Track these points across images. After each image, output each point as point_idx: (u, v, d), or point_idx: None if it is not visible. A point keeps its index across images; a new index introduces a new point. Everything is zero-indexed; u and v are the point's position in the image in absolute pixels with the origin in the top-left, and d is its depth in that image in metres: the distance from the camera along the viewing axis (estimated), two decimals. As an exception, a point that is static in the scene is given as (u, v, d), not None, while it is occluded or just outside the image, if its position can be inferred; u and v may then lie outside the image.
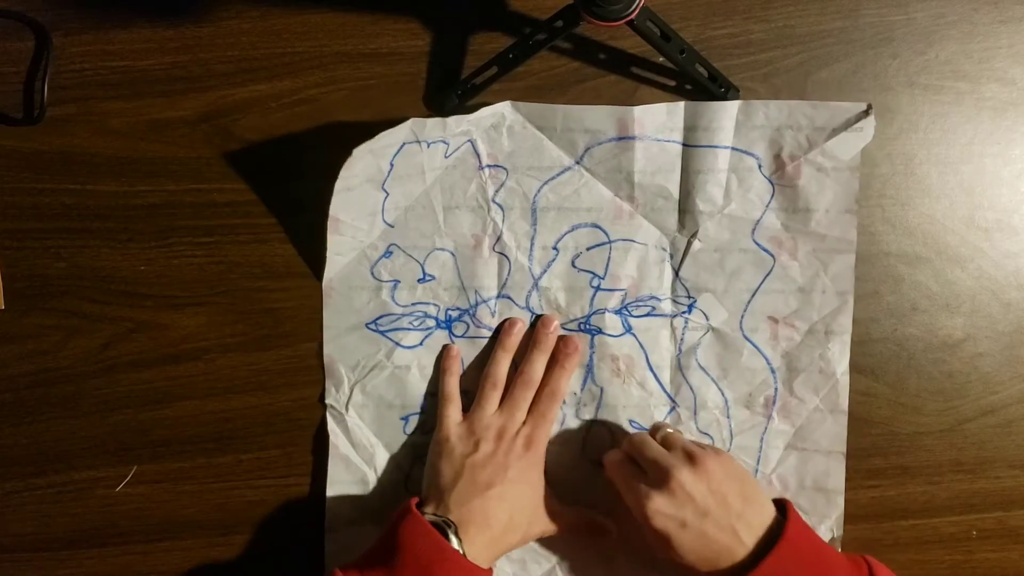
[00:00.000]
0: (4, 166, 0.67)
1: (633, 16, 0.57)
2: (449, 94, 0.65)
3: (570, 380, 0.66)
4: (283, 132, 0.67)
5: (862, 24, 0.66)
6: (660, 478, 0.58)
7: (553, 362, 0.66)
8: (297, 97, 0.67)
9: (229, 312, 0.67)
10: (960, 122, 0.67)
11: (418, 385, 0.67)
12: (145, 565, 0.68)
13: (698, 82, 0.64)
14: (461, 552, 0.57)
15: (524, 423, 0.64)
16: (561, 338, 0.66)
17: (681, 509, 0.57)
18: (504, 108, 0.65)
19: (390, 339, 0.67)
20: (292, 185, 0.67)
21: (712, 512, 0.57)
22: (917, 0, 0.67)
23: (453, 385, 0.66)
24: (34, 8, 0.66)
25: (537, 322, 0.66)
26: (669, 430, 0.63)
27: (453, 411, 0.65)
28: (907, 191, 0.67)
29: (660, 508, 0.57)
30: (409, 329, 0.67)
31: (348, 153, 0.63)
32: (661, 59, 0.66)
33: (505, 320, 0.67)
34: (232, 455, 0.68)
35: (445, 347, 0.67)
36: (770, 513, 0.58)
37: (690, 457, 0.58)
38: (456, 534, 0.58)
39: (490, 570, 0.59)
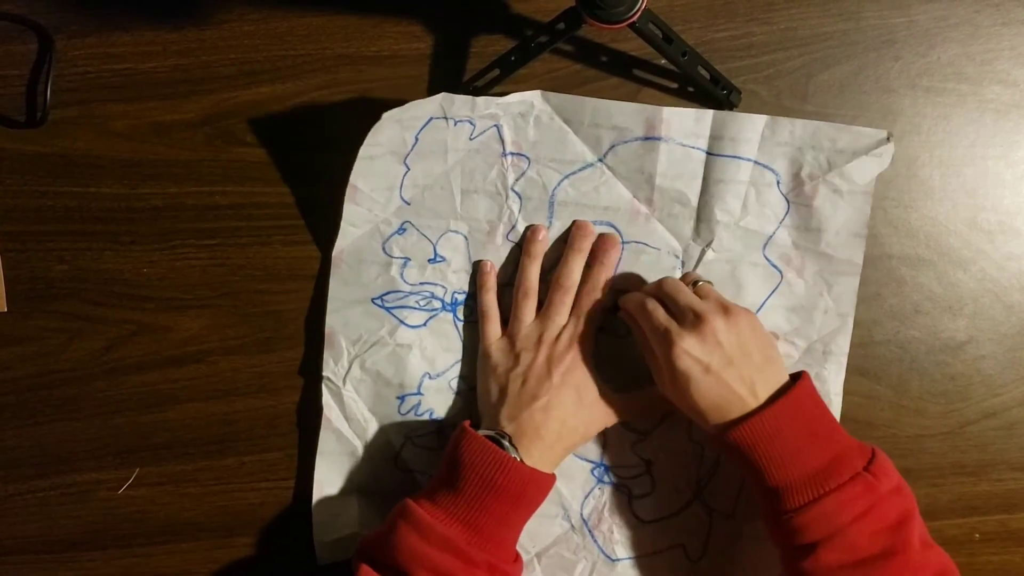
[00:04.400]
0: (7, 169, 0.67)
1: (635, 18, 0.57)
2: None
3: (610, 277, 0.65)
4: (285, 135, 0.67)
5: (864, 26, 0.67)
6: (693, 321, 0.58)
7: (592, 260, 0.65)
8: (299, 100, 0.67)
9: (232, 314, 0.67)
10: (962, 124, 0.67)
11: (418, 366, 0.67)
12: (147, 567, 0.68)
13: (700, 84, 0.64)
14: (520, 460, 0.58)
15: (565, 326, 0.64)
16: (600, 235, 0.66)
17: (709, 354, 0.57)
18: (534, 97, 0.65)
19: (395, 316, 0.66)
20: (294, 187, 0.67)
21: (736, 362, 0.57)
22: (919, 2, 0.67)
23: (491, 301, 0.66)
24: (37, 11, 0.66)
25: (572, 227, 0.66)
26: (702, 281, 0.63)
27: (492, 327, 0.65)
28: (909, 193, 0.67)
29: (689, 349, 0.57)
30: (415, 308, 0.66)
31: (350, 155, 0.64)
32: (663, 61, 0.66)
33: (528, 227, 0.66)
34: (234, 457, 0.68)
35: (479, 263, 0.66)
36: (784, 377, 0.59)
37: (724, 308, 0.59)
38: (512, 443, 0.59)
39: (553, 475, 0.60)
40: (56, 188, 0.67)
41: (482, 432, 0.60)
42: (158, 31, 0.67)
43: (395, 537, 0.57)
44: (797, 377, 0.59)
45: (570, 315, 0.64)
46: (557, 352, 0.62)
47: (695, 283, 0.62)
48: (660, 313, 0.60)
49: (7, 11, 0.66)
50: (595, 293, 0.64)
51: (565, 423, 0.61)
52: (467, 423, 0.60)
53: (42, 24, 0.66)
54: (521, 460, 0.59)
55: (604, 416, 0.63)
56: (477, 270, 0.66)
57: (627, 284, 0.66)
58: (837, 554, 0.55)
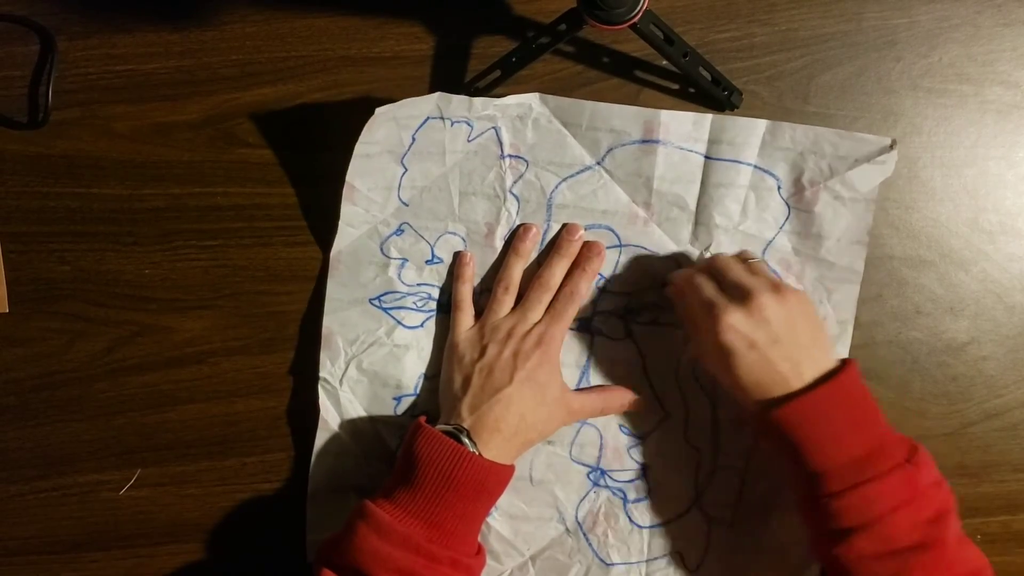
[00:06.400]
0: (9, 170, 0.67)
1: (636, 19, 0.57)
2: (453, 98, 0.65)
3: (591, 286, 0.66)
4: (287, 136, 0.67)
5: (865, 27, 0.67)
6: (742, 296, 0.58)
7: (575, 266, 0.65)
8: (301, 101, 0.67)
9: (233, 315, 0.67)
10: (964, 125, 0.67)
11: (415, 367, 0.67)
12: (149, 568, 0.68)
13: (701, 85, 0.64)
14: (477, 454, 0.58)
15: (537, 323, 0.64)
16: (585, 243, 0.66)
17: (755, 330, 0.57)
18: (532, 100, 0.65)
19: (392, 317, 0.66)
20: (296, 188, 0.67)
21: (783, 340, 0.57)
22: (920, 3, 0.67)
23: (466, 292, 0.66)
24: (39, 12, 0.67)
25: (562, 229, 0.66)
26: (754, 259, 0.62)
27: (464, 318, 0.65)
28: (911, 194, 0.67)
29: (735, 323, 0.57)
30: (412, 309, 0.66)
31: (351, 156, 0.64)
32: (664, 62, 0.66)
33: (519, 225, 0.66)
34: (236, 458, 0.68)
35: (458, 253, 0.66)
36: (832, 360, 0.58)
37: (775, 286, 0.58)
38: (470, 438, 0.59)
39: (512, 466, 0.60)
40: (58, 189, 0.67)
41: (439, 427, 0.59)
42: (160, 32, 0.67)
43: (355, 539, 0.56)
44: (844, 364, 0.59)
45: (544, 314, 0.64)
46: (525, 348, 0.62)
47: (747, 260, 0.62)
48: (708, 287, 0.59)
49: (9, 12, 0.66)
50: (572, 298, 0.64)
51: (524, 418, 0.61)
52: (422, 419, 0.60)
53: (44, 25, 0.66)
54: (479, 454, 0.59)
55: (563, 415, 0.63)
56: (455, 260, 0.66)
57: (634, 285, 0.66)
58: (872, 542, 0.54)
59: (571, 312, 0.64)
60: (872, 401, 0.58)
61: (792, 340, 0.57)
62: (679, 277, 0.63)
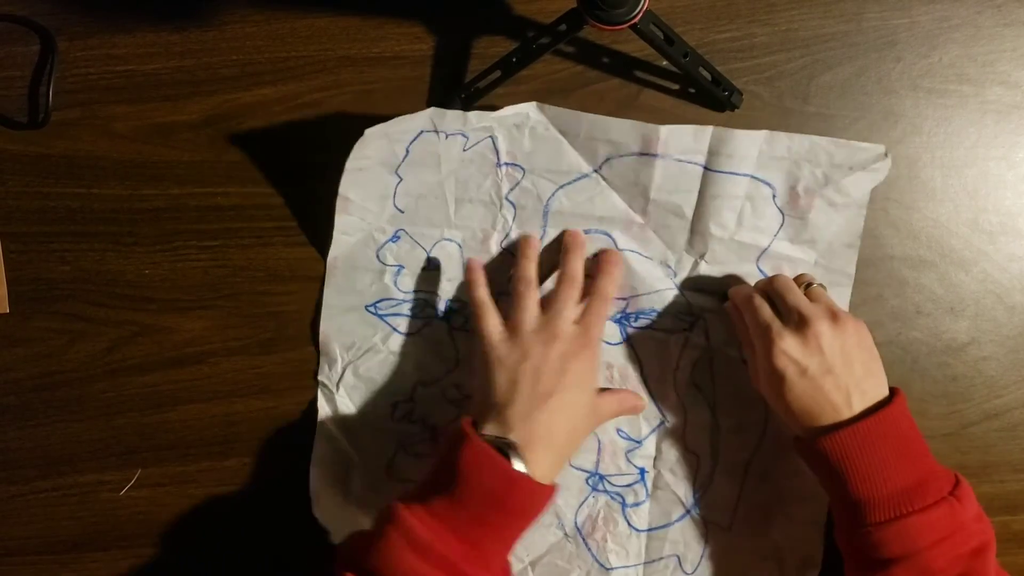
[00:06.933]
0: (9, 170, 0.67)
1: (637, 20, 0.57)
2: (453, 98, 0.65)
3: (615, 288, 0.64)
4: (287, 136, 0.67)
5: (865, 28, 0.67)
6: (798, 323, 0.58)
7: (597, 270, 0.63)
8: (301, 101, 0.67)
9: (233, 315, 0.67)
10: (964, 125, 0.67)
11: (411, 374, 0.66)
12: (149, 568, 0.68)
13: (701, 85, 0.64)
14: (528, 475, 0.55)
15: (577, 322, 0.61)
16: (601, 251, 0.65)
17: (809, 357, 0.57)
18: (529, 108, 0.64)
19: (388, 324, 0.66)
20: (296, 188, 0.67)
21: (836, 370, 0.57)
22: (920, 3, 0.67)
23: (484, 294, 0.62)
24: (39, 12, 0.67)
25: (564, 235, 0.65)
26: (815, 284, 0.62)
27: (492, 318, 0.61)
28: (911, 195, 0.67)
29: (788, 349, 0.57)
30: (408, 316, 0.66)
31: (350, 157, 0.64)
32: (664, 63, 0.66)
33: (520, 237, 0.65)
34: (236, 458, 0.68)
35: (468, 261, 0.65)
36: (883, 392, 0.58)
37: (833, 314, 0.58)
38: (519, 453, 0.56)
39: (554, 486, 0.57)
40: (58, 189, 0.67)
41: (485, 436, 0.56)
42: (160, 32, 0.67)
43: (386, 548, 0.53)
44: (892, 395, 0.59)
45: (581, 315, 0.61)
46: (572, 349, 0.59)
47: (808, 285, 0.62)
48: (765, 309, 0.59)
49: (9, 12, 0.66)
50: (604, 297, 0.62)
51: (575, 426, 0.59)
52: (468, 422, 0.57)
53: (44, 25, 0.66)
54: (529, 472, 0.55)
55: (594, 421, 0.62)
56: (466, 269, 0.65)
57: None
58: (912, 574, 0.54)
59: (606, 312, 0.62)
60: (918, 433, 0.58)
61: (846, 370, 0.57)
62: (737, 295, 0.62)
